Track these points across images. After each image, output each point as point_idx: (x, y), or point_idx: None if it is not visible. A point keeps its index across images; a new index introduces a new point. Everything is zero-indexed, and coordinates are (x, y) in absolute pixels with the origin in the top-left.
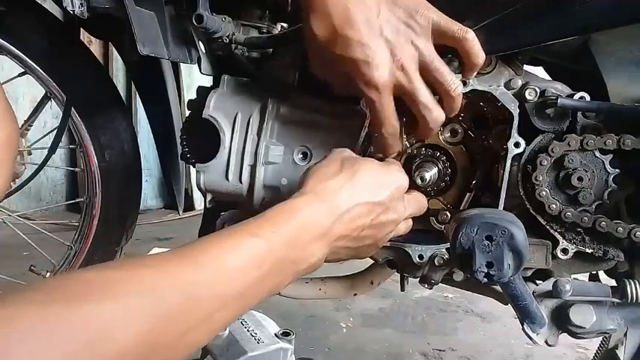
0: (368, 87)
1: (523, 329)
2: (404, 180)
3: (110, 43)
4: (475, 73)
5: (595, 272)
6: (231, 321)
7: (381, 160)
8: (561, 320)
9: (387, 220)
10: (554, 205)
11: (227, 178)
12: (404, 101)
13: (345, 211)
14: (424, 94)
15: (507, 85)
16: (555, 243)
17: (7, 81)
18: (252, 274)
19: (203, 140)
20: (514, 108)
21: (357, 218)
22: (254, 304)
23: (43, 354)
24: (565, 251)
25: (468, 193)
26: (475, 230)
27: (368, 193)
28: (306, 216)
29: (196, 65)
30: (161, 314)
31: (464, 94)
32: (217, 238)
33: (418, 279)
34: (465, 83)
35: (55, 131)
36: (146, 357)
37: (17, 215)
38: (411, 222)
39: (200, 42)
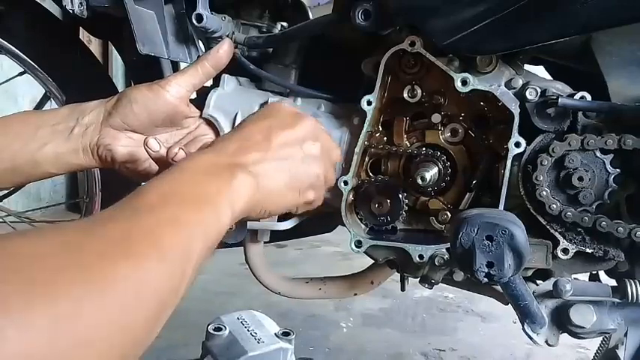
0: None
1: (523, 329)
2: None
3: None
4: None
5: (595, 272)
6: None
7: None
8: (562, 320)
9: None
10: (554, 205)
11: None
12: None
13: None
14: None
15: (508, 85)
16: (556, 243)
17: (7, 80)
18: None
19: None
20: (515, 108)
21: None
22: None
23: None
24: (565, 251)
25: (468, 193)
26: (475, 230)
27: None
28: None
29: None
30: None
31: (464, 93)
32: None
33: (418, 279)
34: (465, 82)
35: None
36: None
37: (17, 215)
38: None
39: (200, 41)
